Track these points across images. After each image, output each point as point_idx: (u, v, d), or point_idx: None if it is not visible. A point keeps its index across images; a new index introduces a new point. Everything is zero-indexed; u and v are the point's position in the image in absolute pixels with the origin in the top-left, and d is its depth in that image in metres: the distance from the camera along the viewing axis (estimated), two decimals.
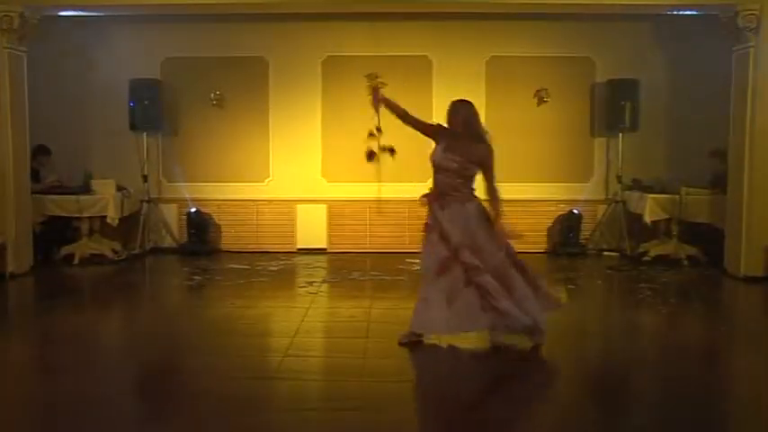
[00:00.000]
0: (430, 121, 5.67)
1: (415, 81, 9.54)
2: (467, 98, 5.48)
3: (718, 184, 8.71)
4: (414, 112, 5.57)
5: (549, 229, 9.87)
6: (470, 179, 5.40)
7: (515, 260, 5.39)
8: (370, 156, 5.50)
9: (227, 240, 9.92)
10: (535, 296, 5.39)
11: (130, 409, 4.37)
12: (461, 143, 5.35)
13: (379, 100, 5.48)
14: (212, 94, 9.88)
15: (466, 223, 5.33)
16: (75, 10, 8.90)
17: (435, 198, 5.44)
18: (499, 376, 4.99)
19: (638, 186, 9.43)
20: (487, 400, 4.57)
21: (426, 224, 5.49)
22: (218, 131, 9.91)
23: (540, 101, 9.85)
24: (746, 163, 8.00)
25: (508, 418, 4.27)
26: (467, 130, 5.37)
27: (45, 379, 4.96)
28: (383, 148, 5.47)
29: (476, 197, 5.42)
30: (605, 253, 9.60)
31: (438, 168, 5.43)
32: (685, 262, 8.88)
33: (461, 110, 5.41)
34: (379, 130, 5.46)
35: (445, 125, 5.48)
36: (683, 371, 5.02)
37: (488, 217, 5.35)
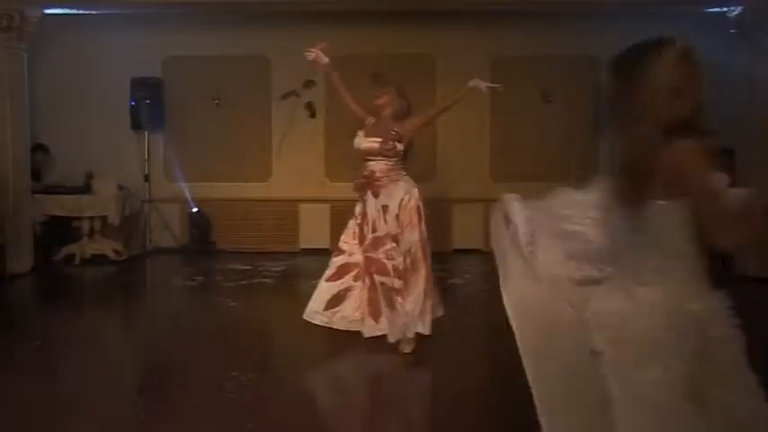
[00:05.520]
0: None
1: (418, 80, 9.45)
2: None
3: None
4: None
5: None
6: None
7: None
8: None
9: (229, 240, 9.83)
10: None
11: (130, 409, 4.30)
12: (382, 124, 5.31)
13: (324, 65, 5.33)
14: (215, 93, 9.82)
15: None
16: (75, 8, 8.86)
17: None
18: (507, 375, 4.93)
19: None
20: (497, 403, 4.52)
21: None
22: (221, 130, 9.85)
23: (545, 100, 9.79)
24: (754, 162, 7.92)
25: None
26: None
27: (45, 380, 4.89)
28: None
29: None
30: None
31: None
32: None
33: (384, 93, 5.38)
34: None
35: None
36: None
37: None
